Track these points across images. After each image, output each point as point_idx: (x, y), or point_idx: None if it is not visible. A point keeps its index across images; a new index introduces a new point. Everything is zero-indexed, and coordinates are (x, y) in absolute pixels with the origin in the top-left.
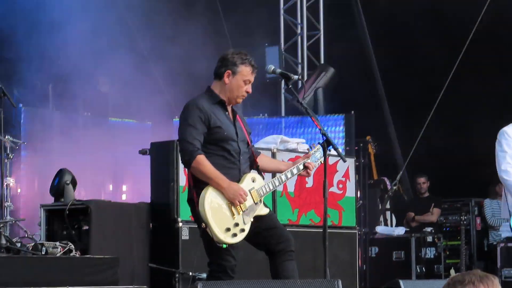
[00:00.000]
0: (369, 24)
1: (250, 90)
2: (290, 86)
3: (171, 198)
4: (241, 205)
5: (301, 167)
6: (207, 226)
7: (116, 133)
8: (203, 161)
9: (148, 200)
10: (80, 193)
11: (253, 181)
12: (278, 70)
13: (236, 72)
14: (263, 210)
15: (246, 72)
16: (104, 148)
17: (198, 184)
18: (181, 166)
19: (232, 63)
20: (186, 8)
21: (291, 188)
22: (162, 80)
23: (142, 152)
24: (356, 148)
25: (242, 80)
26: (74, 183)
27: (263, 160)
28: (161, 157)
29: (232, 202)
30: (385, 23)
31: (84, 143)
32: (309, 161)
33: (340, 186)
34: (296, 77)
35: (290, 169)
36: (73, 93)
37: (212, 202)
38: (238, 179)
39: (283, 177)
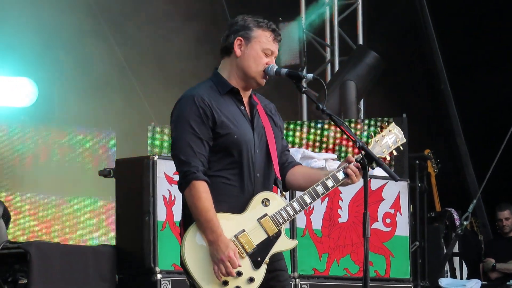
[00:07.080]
0: None
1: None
2: (305, 89)
3: (146, 238)
4: (245, 245)
5: (341, 176)
6: (191, 279)
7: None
8: (198, 191)
9: (113, 242)
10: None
11: (265, 205)
12: (284, 71)
13: (250, 39)
14: (286, 244)
15: (265, 38)
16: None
17: (187, 217)
18: (159, 192)
19: (244, 26)
20: None
21: (317, 224)
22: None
23: (104, 173)
24: (410, 167)
25: (261, 49)
26: (6, 217)
27: (299, 172)
28: (131, 180)
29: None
30: None
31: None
32: (352, 163)
33: (388, 221)
34: (310, 76)
35: (323, 180)
36: None
37: (198, 245)
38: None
39: (307, 198)
